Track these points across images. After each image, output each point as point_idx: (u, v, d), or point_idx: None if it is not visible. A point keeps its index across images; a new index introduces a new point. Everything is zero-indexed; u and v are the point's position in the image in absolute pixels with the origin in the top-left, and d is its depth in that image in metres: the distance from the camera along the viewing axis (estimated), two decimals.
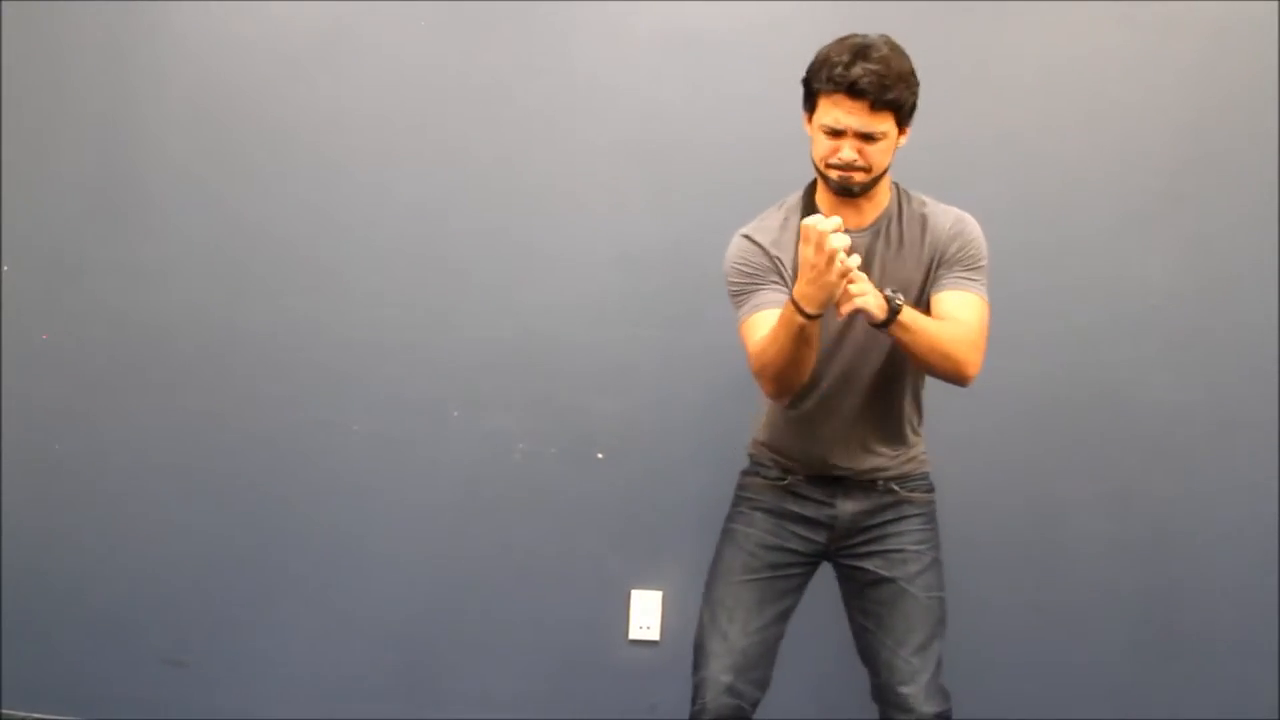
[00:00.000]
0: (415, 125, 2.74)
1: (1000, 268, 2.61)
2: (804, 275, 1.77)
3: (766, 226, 2.07)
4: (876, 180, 1.97)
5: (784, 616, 2.07)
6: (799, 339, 1.83)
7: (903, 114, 1.95)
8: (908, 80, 1.94)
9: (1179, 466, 2.61)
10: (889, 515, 2.05)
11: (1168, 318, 2.61)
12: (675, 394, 2.67)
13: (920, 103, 2.69)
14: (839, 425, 2.04)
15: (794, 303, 1.80)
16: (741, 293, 2.03)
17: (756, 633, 2.02)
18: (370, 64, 2.76)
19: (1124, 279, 2.62)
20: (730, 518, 2.13)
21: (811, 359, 1.89)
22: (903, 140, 1.98)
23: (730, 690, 1.98)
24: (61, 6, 2.81)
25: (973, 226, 2.03)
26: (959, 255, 2.00)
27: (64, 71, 2.81)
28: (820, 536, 2.06)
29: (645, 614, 2.67)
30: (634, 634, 2.67)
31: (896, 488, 2.05)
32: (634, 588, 2.68)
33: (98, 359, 2.77)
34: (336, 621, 2.72)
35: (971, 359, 1.94)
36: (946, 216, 2.03)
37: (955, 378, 1.96)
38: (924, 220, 2.02)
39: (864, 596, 2.06)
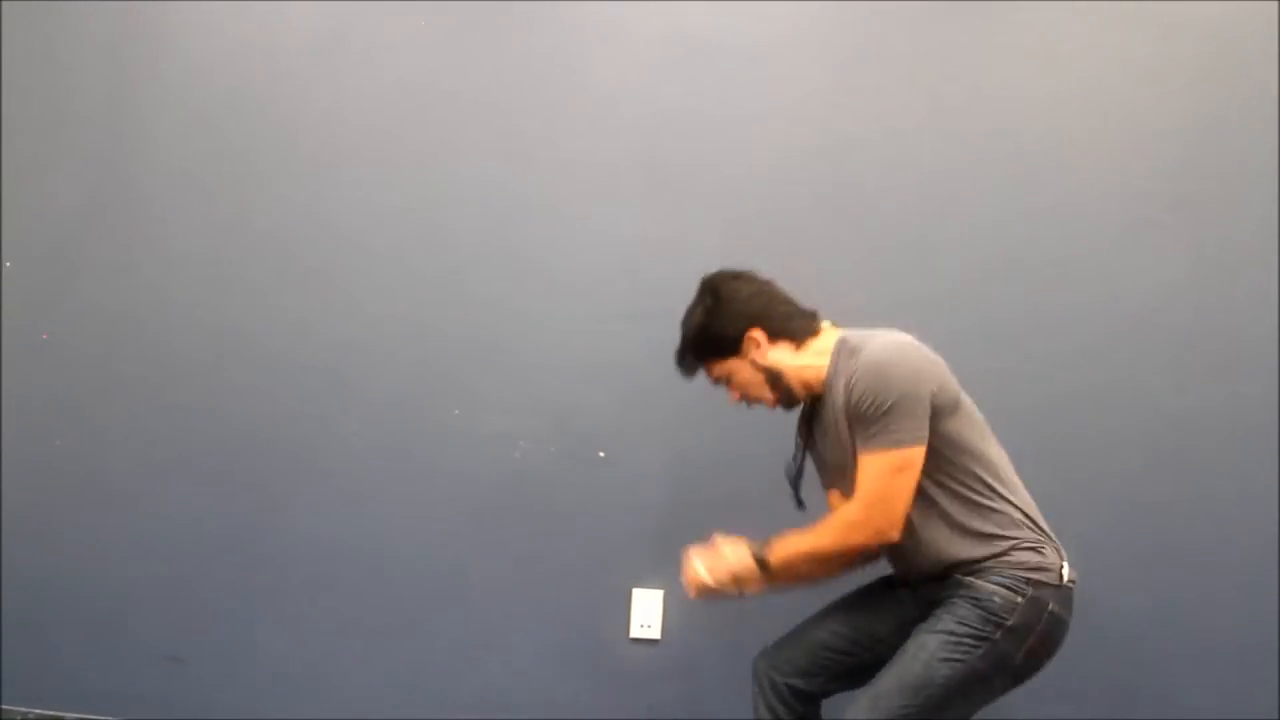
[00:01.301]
0: (415, 127, 2.75)
1: (1001, 272, 2.63)
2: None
3: None
4: (784, 393, 2.12)
5: (839, 632, 2.15)
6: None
7: (712, 354, 2.15)
8: (692, 328, 2.16)
9: (1181, 470, 2.61)
10: (948, 593, 2.01)
11: (1169, 321, 2.61)
12: (676, 393, 2.66)
13: (921, 105, 2.71)
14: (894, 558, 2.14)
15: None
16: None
17: (807, 624, 2.18)
18: (370, 67, 2.76)
19: (1125, 282, 2.62)
20: None
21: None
22: (762, 355, 2.11)
23: (766, 655, 2.19)
24: (61, 6, 2.82)
25: (865, 374, 1.97)
26: (856, 413, 1.98)
27: (64, 71, 2.81)
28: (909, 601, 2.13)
29: (646, 613, 2.67)
30: (635, 633, 2.67)
31: (962, 575, 2.01)
32: (635, 586, 2.68)
33: (97, 357, 2.77)
34: (335, 620, 2.72)
35: (856, 534, 1.98)
36: (850, 365, 2.01)
37: (871, 550, 2.06)
38: (844, 367, 2.03)
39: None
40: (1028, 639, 1.96)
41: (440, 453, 2.71)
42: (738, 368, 2.12)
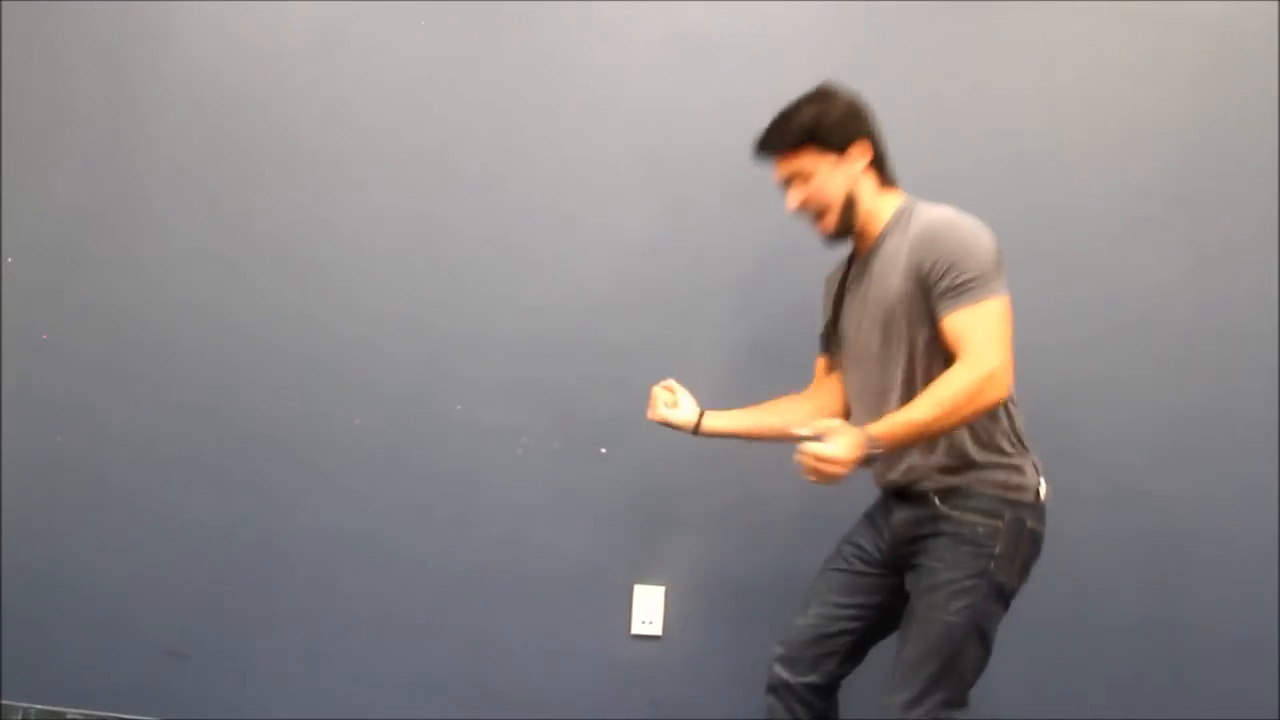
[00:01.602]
0: (415, 124, 2.75)
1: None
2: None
3: None
4: (847, 217, 2.04)
5: (855, 613, 2.11)
6: None
7: (817, 141, 2.02)
8: (793, 126, 2.03)
9: (1181, 468, 2.61)
10: (927, 529, 2.00)
11: (1170, 320, 2.62)
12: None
13: (920, 106, 2.71)
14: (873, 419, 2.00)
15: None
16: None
17: (815, 616, 2.12)
18: (371, 64, 2.77)
19: (1126, 281, 2.62)
20: None
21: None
22: (848, 163, 2.03)
23: (780, 661, 2.13)
24: (61, 6, 2.82)
25: (944, 230, 1.96)
26: (934, 272, 1.94)
27: (64, 71, 2.81)
28: (882, 543, 2.10)
29: (648, 609, 2.66)
30: (636, 629, 2.66)
31: (938, 501, 1.99)
32: (637, 583, 2.67)
33: (98, 354, 2.77)
34: (337, 616, 2.71)
35: (983, 389, 1.87)
36: (923, 220, 1.99)
37: (992, 407, 1.92)
38: (907, 230, 2.00)
39: (904, 611, 2.06)
40: (1015, 561, 1.99)
41: (442, 449, 2.71)
42: (828, 171, 2.02)
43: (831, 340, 2.23)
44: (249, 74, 2.79)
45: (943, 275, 1.93)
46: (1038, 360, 2.61)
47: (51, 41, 2.81)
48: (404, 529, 2.71)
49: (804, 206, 2.05)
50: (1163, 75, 2.64)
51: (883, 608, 2.10)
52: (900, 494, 2.05)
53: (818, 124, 2.01)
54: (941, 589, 1.96)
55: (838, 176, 2.02)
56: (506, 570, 2.69)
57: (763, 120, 2.67)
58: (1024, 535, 1.99)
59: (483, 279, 2.73)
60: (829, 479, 1.82)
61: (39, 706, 2.72)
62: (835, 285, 2.20)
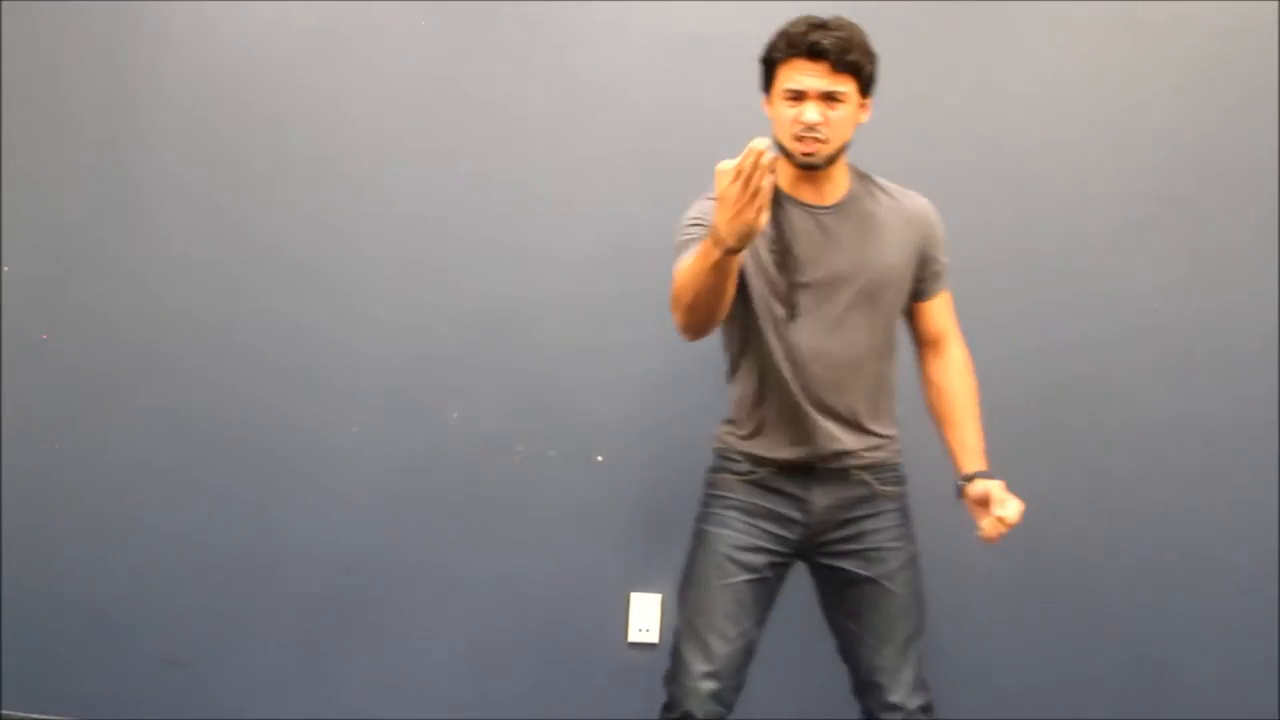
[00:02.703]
0: (413, 128, 2.74)
1: (998, 273, 2.63)
2: (724, 211, 1.71)
3: None
4: (837, 154, 1.97)
5: (761, 621, 2.03)
6: (716, 272, 1.78)
7: (863, 79, 1.94)
8: (867, 48, 1.94)
9: (1180, 471, 2.60)
10: (863, 510, 2.01)
11: (1166, 324, 2.60)
12: (675, 397, 2.66)
13: (918, 108, 2.69)
14: (816, 392, 1.99)
15: (715, 236, 1.75)
16: (689, 240, 1.95)
17: (737, 639, 1.98)
18: (369, 67, 2.76)
19: (1122, 285, 2.61)
20: (701, 518, 2.06)
21: (725, 296, 1.84)
22: (864, 116, 1.99)
23: (714, 697, 1.95)
24: (61, 6, 2.81)
25: (937, 215, 2.10)
26: (933, 254, 2.07)
27: (64, 71, 2.81)
28: (794, 534, 2.01)
29: (644, 617, 2.67)
30: (633, 637, 2.67)
31: (869, 479, 2.02)
32: (633, 590, 2.68)
33: (97, 360, 2.77)
34: (334, 623, 2.72)
35: (970, 368, 2.15)
36: (918, 200, 2.08)
37: None
38: (897, 202, 2.05)
39: (844, 597, 2.03)
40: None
41: (439, 456, 2.71)
42: (853, 108, 1.95)
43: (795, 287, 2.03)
44: (248, 76, 2.78)
45: (937, 258, 2.07)
46: (1035, 363, 2.61)
47: (51, 41, 2.81)
48: (400, 537, 2.72)
49: (821, 126, 1.92)
50: (1160, 77, 2.62)
51: (775, 599, 2.07)
52: (811, 471, 2.00)
53: (870, 64, 1.96)
54: (910, 565, 2.03)
55: (854, 117, 1.97)
56: (503, 577, 2.70)
57: (763, 122, 2.66)
58: None
59: (480, 284, 2.72)
60: (740, 200, 1.71)
61: (38, 715, 2.74)
62: (775, 225, 2.01)
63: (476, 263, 2.71)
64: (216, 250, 2.76)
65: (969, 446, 2.06)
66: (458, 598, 2.70)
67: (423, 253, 2.73)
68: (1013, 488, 2.61)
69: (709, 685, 1.95)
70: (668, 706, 2.00)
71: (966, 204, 2.64)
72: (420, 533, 2.72)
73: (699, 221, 1.97)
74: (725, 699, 1.97)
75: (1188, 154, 2.60)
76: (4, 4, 2.80)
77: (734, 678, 1.98)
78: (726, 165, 1.71)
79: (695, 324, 1.90)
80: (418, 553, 2.71)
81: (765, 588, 2.02)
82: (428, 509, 2.71)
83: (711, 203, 1.84)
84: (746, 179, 1.68)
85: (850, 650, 2.05)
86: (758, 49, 2.66)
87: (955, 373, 2.12)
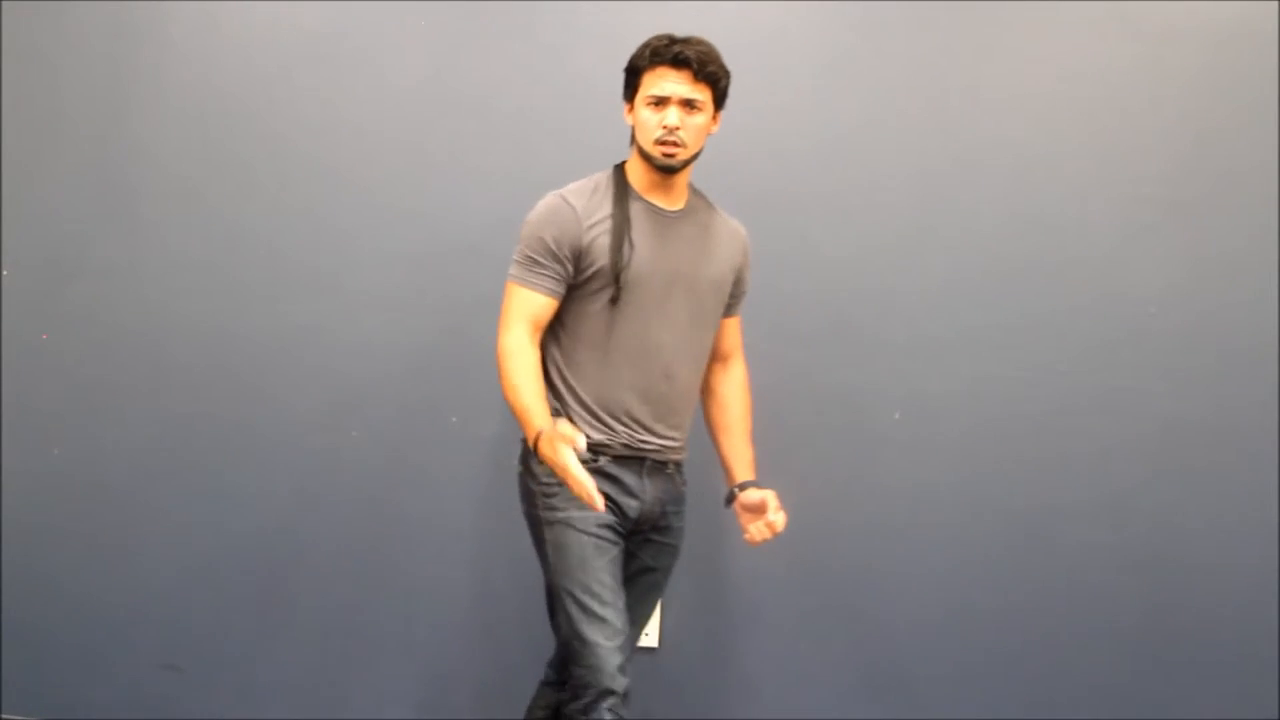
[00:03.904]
0: (413, 130, 2.74)
1: (999, 275, 2.62)
2: (548, 459, 1.90)
3: (580, 191, 2.16)
4: (691, 160, 2.12)
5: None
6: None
7: (718, 91, 2.12)
8: (722, 64, 2.12)
9: (1180, 473, 2.61)
10: (671, 507, 2.18)
11: (1168, 325, 2.61)
12: None
13: (917, 111, 2.68)
14: (658, 377, 2.12)
15: (536, 433, 1.94)
16: (531, 261, 2.09)
17: (626, 610, 2.07)
18: (369, 68, 2.76)
19: (1124, 286, 2.61)
20: (552, 508, 2.09)
21: None
22: (715, 127, 2.15)
23: (622, 670, 2.01)
24: (61, 6, 2.81)
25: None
26: (748, 270, 2.29)
27: (64, 72, 2.81)
28: (627, 520, 2.11)
29: None
30: None
31: (677, 477, 2.19)
32: None
33: (97, 362, 2.77)
34: (334, 627, 2.72)
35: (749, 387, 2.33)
36: (738, 224, 2.28)
37: None
38: (726, 222, 2.25)
39: (628, 582, 2.13)
40: None
41: (438, 459, 2.71)
42: (708, 119, 2.13)
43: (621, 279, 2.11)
44: (248, 78, 2.77)
45: (745, 279, 2.29)
46: (1034, 365, 2.61)
47: (51, 41, 2.81)
48: (401, 540, 2.72)
49: (680, 130, 2.08)
50: (1160, 81, 2.63)
51: None
52: (639, 462, 2.11)
53: (725, 78, 2.13)
54: (676, 558, 2.23)
55: (708, 127, 2.13)
56: (503, 580, 2.69)
57: (762, 120, 2.66)
58: None
59: (480, 286, 2.71)
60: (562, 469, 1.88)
61: (37, 719, 2.74)
62: (621, 222, 2.12)
63: (475, 264, 2.70)
64: (216, 251, 2.76)
65: (742, 457, 2.24)
66: (458, 600, 2.71)
67: (421, 254, 2.72)
68: (1013, 488, 2.63)
69: (617, 659, 2.01)
70: (578, 692, 2.02)
71: (965, 208, 2.65)
72: (420, 536, 2.71)
73: (547, 234, 2.08)
74: (627, 671, 2.02)
75: (1188, 158, 2.61)
76: (4, 4, 2.80)
77: (629, 649, 2.08)
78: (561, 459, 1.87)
79: None
80: (417, 557, 2.71)
81: (623, 558, 2.13)
82: (428, 513, 2.71)
83: (564, 204, 2.10)
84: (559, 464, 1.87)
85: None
86: (753, 52, 2.67)
87: (738, 387, 2.30)
